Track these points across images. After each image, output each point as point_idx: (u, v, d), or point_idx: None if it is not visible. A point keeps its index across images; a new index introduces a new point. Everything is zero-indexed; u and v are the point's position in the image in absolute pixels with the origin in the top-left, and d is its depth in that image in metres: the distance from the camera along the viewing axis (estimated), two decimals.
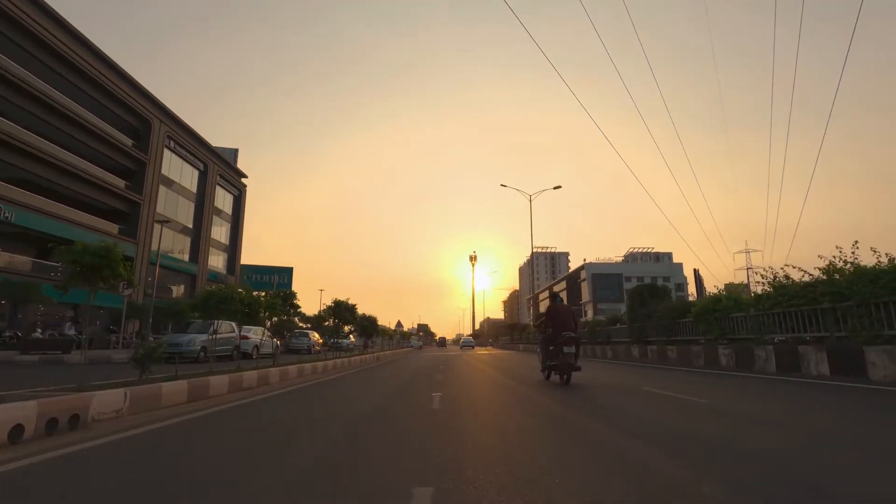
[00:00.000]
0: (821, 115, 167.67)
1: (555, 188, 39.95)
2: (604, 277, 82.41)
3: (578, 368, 8.23)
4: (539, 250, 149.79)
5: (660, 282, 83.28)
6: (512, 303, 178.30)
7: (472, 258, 78.71)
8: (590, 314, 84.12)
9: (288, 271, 46.20)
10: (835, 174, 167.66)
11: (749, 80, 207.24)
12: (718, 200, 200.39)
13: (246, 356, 17.12)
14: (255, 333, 19.19)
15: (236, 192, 48.05)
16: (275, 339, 19.58)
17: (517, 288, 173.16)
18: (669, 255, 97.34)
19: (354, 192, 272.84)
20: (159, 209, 34.55)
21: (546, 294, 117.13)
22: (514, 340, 55.18)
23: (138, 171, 33.26)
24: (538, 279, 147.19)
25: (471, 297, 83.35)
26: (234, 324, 15.74)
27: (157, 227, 30.94)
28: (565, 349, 8.14)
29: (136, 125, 33.72)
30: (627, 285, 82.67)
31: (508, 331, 60.75)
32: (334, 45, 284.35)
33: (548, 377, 9.20)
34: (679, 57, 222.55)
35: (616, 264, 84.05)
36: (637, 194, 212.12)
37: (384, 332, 39.65)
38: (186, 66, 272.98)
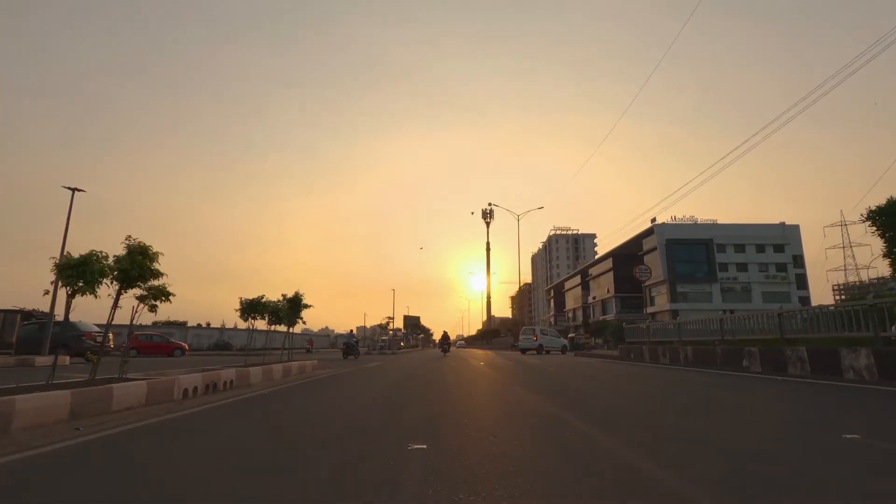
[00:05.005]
0: None
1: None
2: (685, 246, 54.55)
3: (448, 351, 26.90)
4: (557, 232, 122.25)
5: (770, 252, 55.45)
6: (522, 298, 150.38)
7: (487, 213, 50.74)
8: (662, 301, 56.28)
9: None
10: None
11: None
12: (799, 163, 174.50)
13: None
14: None
15: None
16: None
17: (528, 280, 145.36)
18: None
19: (363, 196, 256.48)
20: None
21: (578, 279, 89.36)
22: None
23: None
24: (558, 266, 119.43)
25: (485, 279, 55.87)
26: None
27: None
28: (444, 347, 26.65)
29: None
30: (722, 257, 54.89)
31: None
32: (349, 50, 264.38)
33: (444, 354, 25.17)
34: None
35: (703, 226, 56.21)
36: (670, 166, 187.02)
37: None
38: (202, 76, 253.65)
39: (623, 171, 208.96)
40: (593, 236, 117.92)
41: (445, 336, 27.62)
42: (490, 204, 52.39)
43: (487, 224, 51.00)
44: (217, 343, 30.07)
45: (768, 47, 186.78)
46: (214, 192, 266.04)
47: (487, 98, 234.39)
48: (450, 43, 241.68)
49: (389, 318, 44.50)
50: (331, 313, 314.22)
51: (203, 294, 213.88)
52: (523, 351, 28.27)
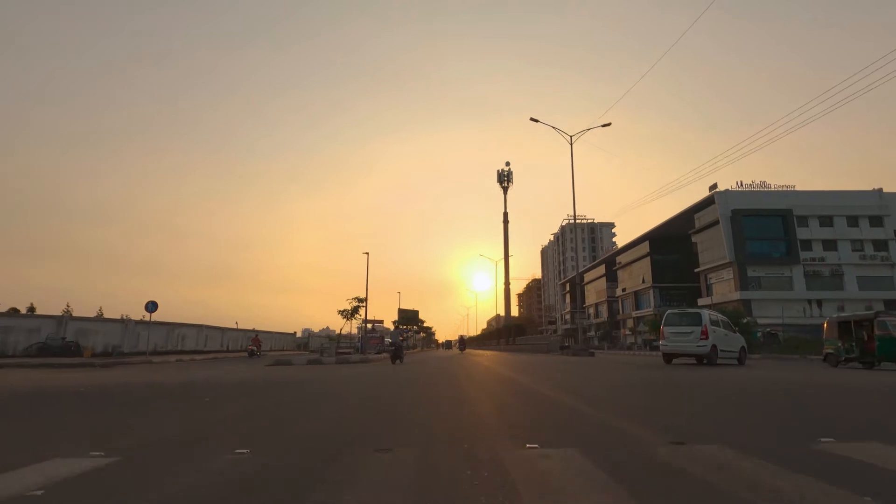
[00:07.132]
0: None
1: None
2: (757, 219, 42.95)
3: (464, 349, 41.43)
4: (571, 221, 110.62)
5: (865, 226, 43.35)
6: (530, 295, 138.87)
7: (504, 176, 39.25)
8: (725, 289, 44.63)
9: None
10: None
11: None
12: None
13: None
14: None
15: None
16: None
17: (537, 275, 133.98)
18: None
19: (363, 196, 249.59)
20: None
21: (602, 270, 78.02)
22: None
23: None
24: (573, 259, 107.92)
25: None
26: None
27: None
28: (461, 346, 41.36)
29: None
30: (804, 233, 43.31)
31: None
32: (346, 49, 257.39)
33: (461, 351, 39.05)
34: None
35: (778, 192, 44.48)
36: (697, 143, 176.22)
37: None
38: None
39: (626, 168, 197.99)
40: (611, 225, 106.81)
41: (462, 339, 36.31)
42: (508, 163, 40.60)
43: (504, 189, 39.53)
44: (48, 343, 17.56)
45: (773, 45, 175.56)
46: (216, 192, 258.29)
47: (489, 97, 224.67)
48: (451, 42, 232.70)
49: (359, 300, 29.55)
50: (333, 314, 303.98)
51: (205, 294, 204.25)
52: (670, 358, 14.64)
